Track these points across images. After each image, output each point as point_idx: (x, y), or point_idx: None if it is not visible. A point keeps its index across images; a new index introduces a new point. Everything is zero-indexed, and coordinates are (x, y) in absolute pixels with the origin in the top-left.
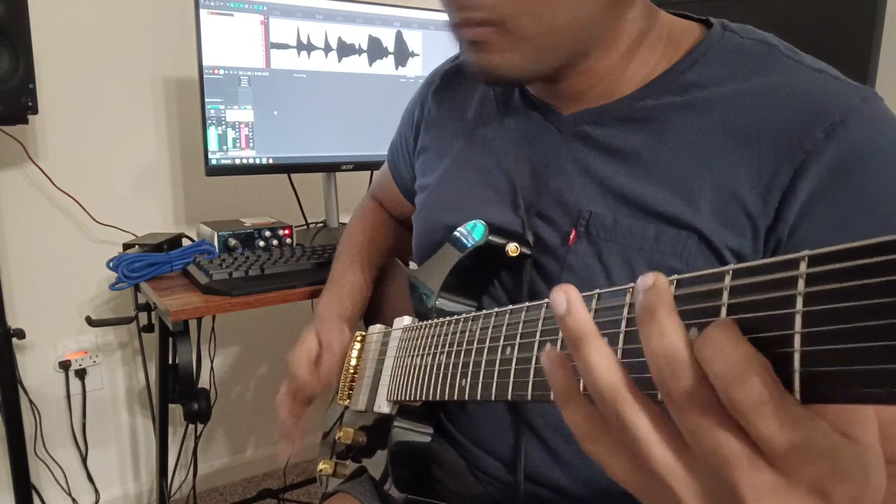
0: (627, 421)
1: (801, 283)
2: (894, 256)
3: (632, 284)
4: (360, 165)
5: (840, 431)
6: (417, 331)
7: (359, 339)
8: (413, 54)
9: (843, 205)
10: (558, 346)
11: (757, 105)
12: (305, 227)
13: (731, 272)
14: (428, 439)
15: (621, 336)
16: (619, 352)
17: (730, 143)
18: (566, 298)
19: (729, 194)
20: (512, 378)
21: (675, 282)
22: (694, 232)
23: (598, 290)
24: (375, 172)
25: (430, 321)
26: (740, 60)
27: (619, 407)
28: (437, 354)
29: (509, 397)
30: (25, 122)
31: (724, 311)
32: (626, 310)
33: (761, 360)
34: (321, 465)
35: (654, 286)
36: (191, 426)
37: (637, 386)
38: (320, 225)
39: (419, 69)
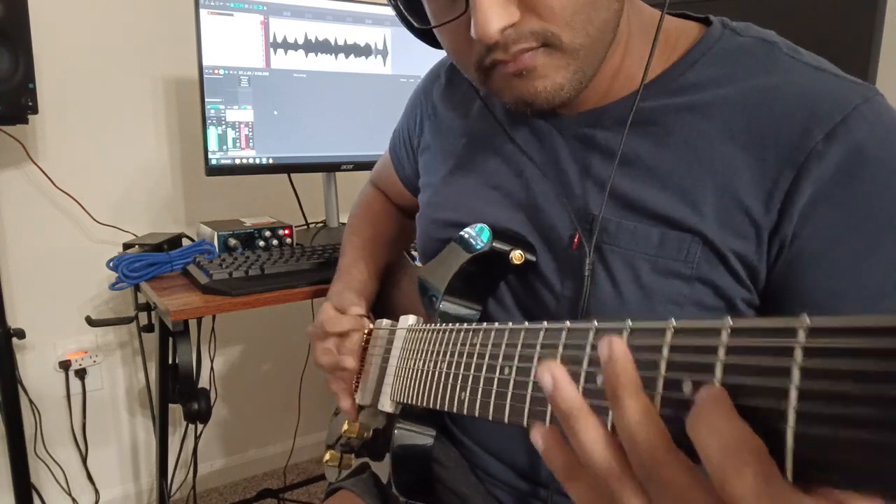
0: (625, 499)
1: (798, 354)
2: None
3: (668, 324)
4: (360, 165)
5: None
6: (421, 333)
7: (366, 332)
8: (414, 54)
9: (845, 208)
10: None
11: (758, 107)
12: (305, 227)
13: (729, 329)
14: (430, 442)
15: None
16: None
17: (731, 146)
18: (552, 377)
19: (732, 198)
20: (509, 401)
21: (672, 329)
22: (698, 236)
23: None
24: (377, 160)
25: (433, 326)
26: (740, 60)
27: (614, 484)
28: (439, 362)
29: (506, 420)
30: (25, 122)
31: (718, 369)
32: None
33: (755, 443)
34: (327, 456)
35: (611, 360)
36: (191, 426)
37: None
38: (320, 225)
39: (420, 69)
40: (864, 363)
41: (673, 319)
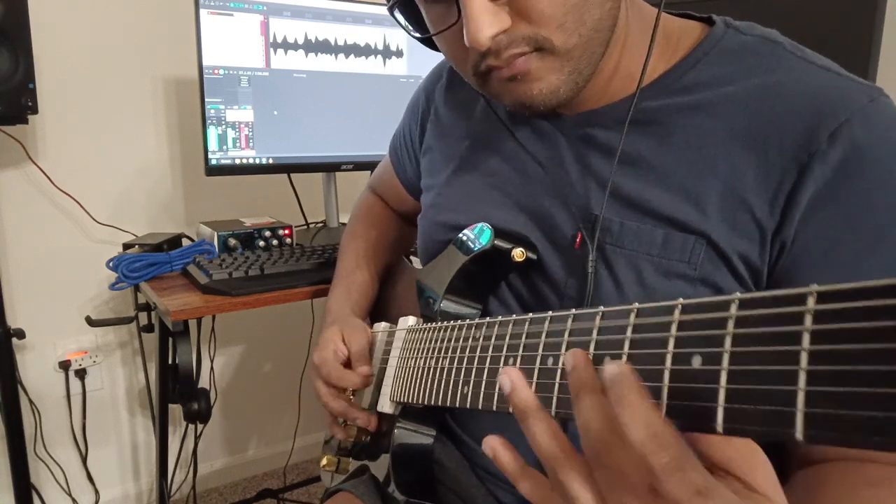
0: (566, 484)
1: (808, 320)
2: None
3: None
4: (360, 165)
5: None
6: (422, 333)
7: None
8: (413, 54)
9: (846, 208)
10: (560, 362)
11: (762, 106)
12: (305, 227)
13: (737, 301)
14: (430, 441)
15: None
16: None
17: (735, 145)
18: (510, 380)
19: (736, 198)
20: None
21: (680, 307)
22: (702, 237)
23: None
24: (377, 160)
25: (434, 324)
26: (744, 59)
27: (558, 470)
28: (441, 359)
29: (510, 410)
30: (25, 122)
31: (728, 341)
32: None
33: (669, 429)
34: (324, 461)
35: (574, 369)
36: (191, 426)
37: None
38: (320, 225)
39: (419, 69)
40: (877, 323)
41: (681, 298)
